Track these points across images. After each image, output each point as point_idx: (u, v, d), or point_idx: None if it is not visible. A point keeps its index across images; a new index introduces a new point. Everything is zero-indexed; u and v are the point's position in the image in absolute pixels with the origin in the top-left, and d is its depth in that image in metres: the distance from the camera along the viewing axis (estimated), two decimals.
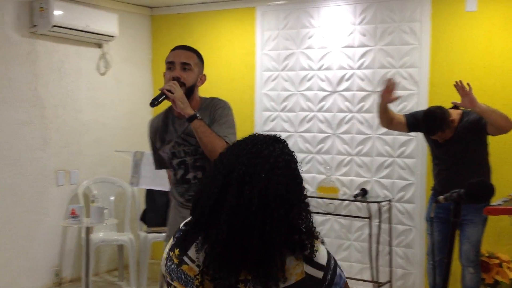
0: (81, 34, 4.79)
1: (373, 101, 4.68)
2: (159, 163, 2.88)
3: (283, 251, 1.31)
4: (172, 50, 2.76)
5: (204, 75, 2.79)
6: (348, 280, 4.98)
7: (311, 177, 4.97)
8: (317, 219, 4.94)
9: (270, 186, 1.31)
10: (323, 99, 4.89)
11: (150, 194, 5.02)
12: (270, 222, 1.29)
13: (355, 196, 4.59)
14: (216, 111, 2.66)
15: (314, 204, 4.85)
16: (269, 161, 1.34)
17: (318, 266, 1.35)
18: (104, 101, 5.29)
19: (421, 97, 4.47)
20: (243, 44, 5.23)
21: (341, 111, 4.82)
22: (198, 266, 1.34)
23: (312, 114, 4.95)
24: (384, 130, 4.64)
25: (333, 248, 4.88)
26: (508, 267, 4.12)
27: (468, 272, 3.84)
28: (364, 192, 4.64)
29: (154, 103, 2.63)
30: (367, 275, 4.63)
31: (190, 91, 2.66)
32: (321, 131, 4.91)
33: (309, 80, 4.94)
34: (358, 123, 4.76)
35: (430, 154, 4.04)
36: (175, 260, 1.39)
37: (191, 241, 1.38)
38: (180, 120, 2.71)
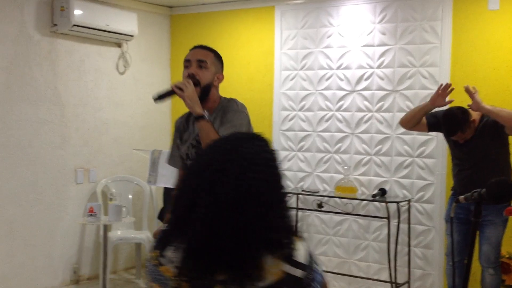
0: (100, 33, 4.83)
1: (393, 100, 4.65)
2: (172, 160, 2.85)
3: (260, 250, 1.28)
4: (191, 49, 2.75)
5: (222, 75, 2.76)
6: (366, 281, 4.98)
7: (329, 177, 4.94)
8: (335, 219, 4.92)
9: (244, 185, 1.27)
10: (342, 98, 4.86)
11: (168, 193, 5.03)
12: (245, 222, 1.26)
13: (374, 196, 4.55)
14: (227, 114, 2.62)
15: (332, 204, 4.83)
16: (246, 158, 1.30)
17: (297, 264, 1.32)
18: (123, 100, 5.32)
19: None
20: (262, 43, 5.23)
21: (360, 110, 4.79)
22: (175, 267, 1.31)
23: (330, 113, 4.92)
24: (404, 130, 4.60)
25: (351, 248, 4.85)
26: None
27: (488, 273, 3.80)
28: (382, 192, 4.61)
29: (157, 98, 2.62)
30: (385, 276, 4.60)
31: (206, 90, 2.63)
32: (340, 131, 4.89)
33: (327, 79, 4.92)
34: (377, 122, 4.73)
35: (450, 154, 4.00)
36: (154, 261, 1.36)
37: (169, 241, 1.34)
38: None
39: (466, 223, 3.69)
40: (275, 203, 1.32)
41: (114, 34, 4.94)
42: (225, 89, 4.96)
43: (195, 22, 5.61)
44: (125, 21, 4.99)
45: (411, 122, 3.90)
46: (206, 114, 2.55)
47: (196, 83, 2.58)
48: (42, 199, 4.65)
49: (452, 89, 3.73)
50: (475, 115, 3.70)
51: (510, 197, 1.89)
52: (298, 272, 1.32)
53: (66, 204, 4.84)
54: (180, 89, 2.54)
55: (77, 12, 4.53)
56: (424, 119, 3.90)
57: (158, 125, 5.65)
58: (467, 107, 3.66)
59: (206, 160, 1.34)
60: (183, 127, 2.77)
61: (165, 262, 1.34)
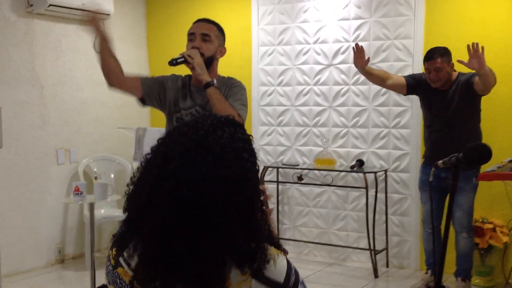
0: (77, 12, 4.79)
1: None
2: (148, 93, 2.90)
3: (225, 262, 1.09)
4: (194, 22, 2.87)
5: (224, 48, 2.87)
6: (345, 249, 5.13)
7: (308, 150, 5.05)
8: (314, 190, 5.04)
9: (213, 184, 1.08)
10: (319, 72, 4.95)
11: None
12: (210, 227, 1.07)
13: (352, 167, 4.68)
14: (232, 88, 2.75)
15: (311, 176, 4.95)
16: (214, 151, 1.10)
17: (271, 283, 1.11)
18: (102, 80, 5.21)
19: (415, 68, 4.53)
20: (239, 19, 5.26)
21: (337, 84, 4.89)
22: (132, 270, 1.15)
23: (308, 87, 5.01)
24: (380, 101, 4.73)
25: (331, 219, 4.99)
26: (502, 232, 4.25)
27: (462, 237, 3.98)
28: (360, 163, 4.73)
29: (172, 62, 2.72)
30: (364, 244, 4.75)
31: (209, 62, 2.75)
32: (318, 104, 4.99)
33: (305, 54, 4.99)
34: (354, 95, 4.84)
35: (423, 119, 4.14)
36: (112, 261, 1.20)
37: (127, 240, 1.17)
38: (198, 92, 2.78)
39: (439, 190, 3.86)
40: (247, 204, 1.11)
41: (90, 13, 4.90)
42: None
43: (171, 1, 5.61)
44: (101, 0, 4.95)
45: (372, 81, 4.17)
46: (213, 81, 2.65)
47: (200, 55, 2.70)
48: (24, 181, 4.66)
49: (363, 48, 3.96)
50: (452, 72, 3.89)
51: (487, 161, 2.00)
52: None
53: (48, 184, 4.86)
54: (190, 56, 2.67)
55: None
56: (403, 81, 4.06)
57: (137, 104, 5.65)
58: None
59: (169, 150, 1.12)
60: (181, 90, 2.84)
61: (123, 264, 1.18)
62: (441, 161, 2.11)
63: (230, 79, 2.86)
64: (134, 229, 1.15)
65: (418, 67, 4.52)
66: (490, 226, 4.27)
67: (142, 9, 5.71)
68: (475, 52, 3.59)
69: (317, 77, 4.96)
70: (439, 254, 2.09)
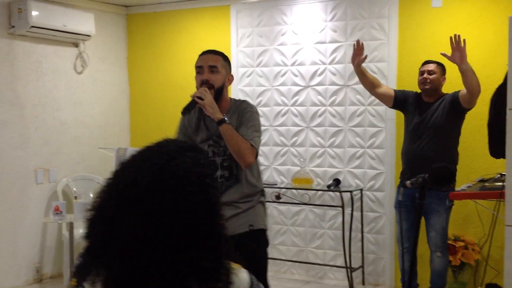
0: (58, 34, 4.87)
1: (345, 94, 4.89)
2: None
3: (190, 283, 1.11)
4: (200, 55, 2.92)
5: (232, 75, 2.95)
6: (322, 267, 5.19)
7: (286, 169, 5.15)
8: (292, 209, 5.13)
9: (177, 209, 1.10)
10: (297, 93, 5.07)
11: None
12: (174, 250, 1.09)
13: (329, 186, 4.78)
14: (244, 114, 2.81)
15: (289, 195, 5.04)
16: (178, 175, 1.13)
17: None
18: (82, 100, 5.37)
19: None
20: (219, 41, 5.37)
21: (314, 105, 5.01)
22: None
23: (286, 108, 5.12)
24: (356, 122, 4.86)
25: (308, 237, 5.08)
26: (473, 249, 4.37)
27: (436, 256, 4.08)
28: (337, 182, 4.84)
29: (185, 112, 2.81)
30: (340, 261, 4.84)
31: (219, 92, 2.83)
32: (295, 125, 5.10)
33: (283, 75, 5.11)
34: (330, 116, 4.96)
35: (404, 134, 4.22)
36: None
37: (87, 270, 1.17)
38: (212, 122, 2.80)
39: (413, 210, 3.95)
40: (209, 226, 1.14)
41: (71, 34, 4.98)
42: (184, 87, 5.10)
43: (151, 21, 5.70)
44: (82, 21, 5.04)
45: (364, 83, 4.22)
46: (226, 117, 2.73)
47: (210, 87, 2.78)
48: (3, 200, 4.67)
49: (363, 46, 4.08)
50: (442, 84, 4.07)
51: (450, 182, 2.13)
52: None
53: (27, 204, 4.87)
54: (200, 98, 2.72)
55: (35, 13, 4.55)
56: (392, 92, 4.17)
57: (117, 124, 5.72)
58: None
59: (133, 175, 1.13)
60: (195, 122, 2.91)
61: None
62: (409, 181, 2.22)
63: (242, 103, 2.91)
64: (96, 256, 1.14)
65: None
66: (462, 244, 4.39)
67: (123, 30, 5.80)
68: (457, 44, 3.72)
69: (295, 98, 5.08)
70: (408, 272, 2.18)
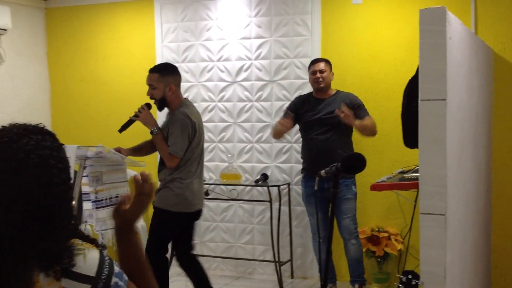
0: None
1: (271, 90, 4.91)
2: None
3: (31, 265, 1.11)
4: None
5: (171, 85, 3.68)
6: (252, 262, 5.20)
7: (214, 165, 5.12)
8: (221, 205, 5.11)
9: (14, 190, 1.11)
10: (223, 89, 5.04)
11: None
12: (11, 232, 1.10)
13: (257, 181, 4.79)
14: (174, 120, 3.63)
15: (218, 191, 5.01)
16: (18, 157, 1.13)
17: (82, 278, 1.14)
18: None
19: None
20: (143, 36, 5.27)
21: (241, 100, 5.01)
22: None
23: (213, 104, 5.09)
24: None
25: (237, 233, 5.07)
26: (396, 240, 4.50)
27: (351, 244, 4.21)
28: (265, 177, 4.86)
29: (121, 130, 3.70)
30: (269, 256, 4.86)
31: (162, 102, 3.70)
32: (223, 121, 5.07)
33: (209, 71, 5.08)
34: (257, 111, 4.97)
35: (301, 133, 4.38)
36: None
37: None
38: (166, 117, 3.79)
39: (323, 200, 4.10)
40: (51, 207, 1.14)
41: None
42: (108, 83, 4.97)
43: (72, 16, 5.51)
44: None
45: (279, 137, 4.47)
46: (155, 130, 3.63)
47: (155, 101, 3.70)
48: None
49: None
50: (331, 79, 4.26)
51: (362, 168, 2.18)
52: (84, 287, 1.15)
53: None
54: (137, 115, 3.66)
55: None
56: (290, 121, 4.25)
57: (37, 121, 5.48)
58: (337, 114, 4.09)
59: None
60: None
61: None
62: (323, 170, 2.26)
63: (179, 112, 3.64)
64: None
65: None
66: (386, 234, 4.51)
67: (42, 24, 5.57)
68: (344, 115, 4.02)
69: (222, 94, 5.05)
70: (325, 262, 2.21)
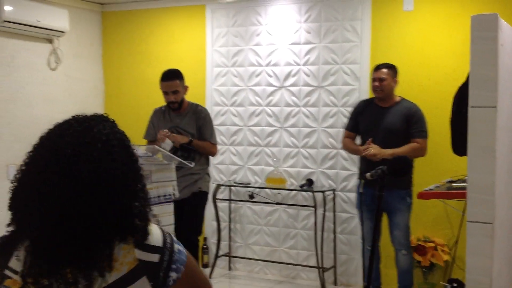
0: (31, 29, 4.83)
1: (318, 95, 4.92)
2: (148, 135, 4.36)
3: (112, 237, 1.19)
4: (163, 80, 4.18)
5: (187, 86, 4.27)
6: (295, 267, 5.24)
7: (260, 169, 5.16)
8: (266, 209, 5.14)
9: (104, 166, 1.18)
10: (271, 94, 5.09)
11: None
12: (99, 208, 1.17)
13: (302, 186, 4.81)
14: (201, 119, 4.23)
15: (263, 195, 5.05)
16: (101, 139, 1.20)
17: (152, 249, 1.25)
18: (55, 96, 5.33)
19: (361, 92, 4.73)
20: (194, 40, 5.38)
21: (288, 105, 5.04)
22: (21, 276, 1.19)
23: (260, 108, 5.14)
24: (329, 123, 4.90)
25: (281, 237, 5.09)
26: (443, 250, 4.43)
27: (402, 254, 4.15)
28: (310, 182, 4.87)
29: (169, 156, 3.85)
30: (313, 262, 4.86)
31: (181, 102, 4.21)
32: (269, 125, 5.12)
33: (257, 75, 5.13)
34: (304, 116, 4.99)
35: (361, 140, 4.32)
36: None
37: (10, 251, 1.22)
38: (177, 116, 4.26)
39: (374, 211, 4.02)
40: (131, 185, 1.23)
41: (45, 30, 4.94)
42: (158, 85, 5.09)
43: (127, 19, 5.69)
44: (56, 17, 5.00)
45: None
46: (191, 139, 4.15)
47: (175, 102, 4.19)
48: None
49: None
50: (395, 92, 4.18)
51: (408, 171, 2.17)
52: (154, 257, 1.24)
53: None
54: (174, 142, 4.08)
55: (8, 8, 4.51)
56: (348, 133, 4.32)
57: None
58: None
59: (55, 144, 1.20)
60: (158, 117, 4.32)
61: (10, 275, 1.21)
62: (369, 173, 2.25)
63: (197, 107, 4.28)
64: (21, 227, 1.20)
65: (364, 91, 4.72)
66: (432, 244, 4.44)
67: (98, 27, 5.77)
68: (369, 154, 4.00)
69: (269, 99, 5.10)
70: (373, 268, 2.21)
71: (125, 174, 1.21)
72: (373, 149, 4.01)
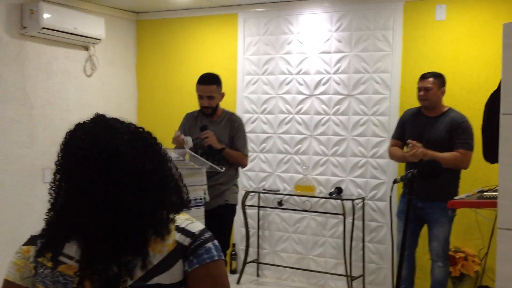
0: (69, 36, 4.97)
1: (348, 104, 4.94)
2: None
3: (147, 230, 1.28)
4: (200, 83, 4.03)
5: (223, 93, 4.09)
6: (323, 275, 5.21)
7: (289, 177, 5.19)
8: (294, 216, 5.17)
9: (141, 160, 1.28)
10: (301, 102, 5.13)
11: None
12: (147, 196, 1.28)
13: (331, 194, 4.82)
14: (234, 129, 4.07)
15: (292, 202, 5.08)
16: (129, 136, 1.31)
17: (188, 233, 1.32)
18: (90, 102, 5.47)
19: (392, 101, 4.74)
20: (226, 49, 5.46)
21: (318, 113, 5.06)
22: (77, 262, 1.26)
23: (290, 116, 5.18)
24: (359, 131, 4.90)
25: (310, 245, 5.10)
26: (473, 261, 4.38)
27: (437, 265, 4.09)
28: (339, 190, 4.87)
29: (214, 155, 3.92)
30: (341, 270, 4.86)
31: (215, 109, 4.06)
32: (299, 133, 5.15)
33: (288, 84, 5.18)
34: (334, 125, 5.01)
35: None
36: (49, 264, 1.30)
37: (64, 238, 1.30)
38: (211, 123, 4.05)
39: (413, 220, 3.99)
40: (169, 173, 1.35)
41: (81, 37, 5.08)
42: (191, 93, 5.22)
43: (160, 28, 5.81)
44: (92, 25, 5.14)
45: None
46: (224, 147, 3.95)
47: (209, 108, 4.02)
48: (11, 198, 4.74)
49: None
50: (441, 97, 4.07)
51: (438, 175, 2.16)
52: (187, 240, 1.31)
53: (33, 202, 4.94)
54: (213, 146, 3.90)
55: (46, 15, 4.66)
56: (396, 142, 4.24)
57: None
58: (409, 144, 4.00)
59: (110, 141, 1.29)
60: (190, 122, 4.17)
61: (64, 260, 1.28)
62: (399, 177, 2.27)
63: (232, 115, 4.14)
64: (72, 221, 1.28)
65: (395, 100, 4.72)
66: (462, 255, 4.40)
67: (133, 36, 5.91)
68: (409, 155, 3.94)
69: (299, 107, 5.13)
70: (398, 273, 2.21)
71: (161, 164, 1.34)
72: (420, 148, 3.89)
